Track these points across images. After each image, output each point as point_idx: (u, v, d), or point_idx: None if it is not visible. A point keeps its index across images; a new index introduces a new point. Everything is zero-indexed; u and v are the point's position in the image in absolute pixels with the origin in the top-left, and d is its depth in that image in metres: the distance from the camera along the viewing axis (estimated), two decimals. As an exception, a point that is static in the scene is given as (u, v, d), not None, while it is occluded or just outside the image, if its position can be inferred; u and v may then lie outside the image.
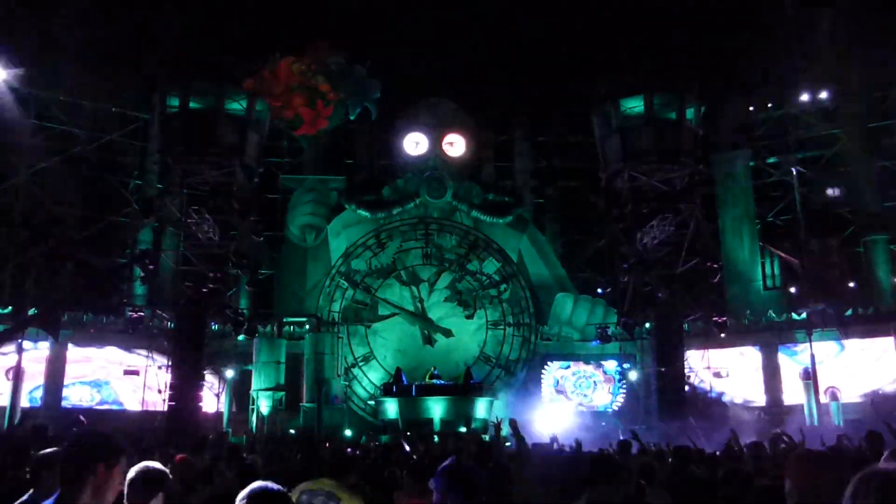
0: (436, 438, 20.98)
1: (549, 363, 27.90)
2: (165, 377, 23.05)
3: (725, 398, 26.22)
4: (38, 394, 23.49)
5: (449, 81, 30.02)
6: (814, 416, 23.34)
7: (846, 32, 25.52)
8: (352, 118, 30.23)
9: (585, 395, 27.59)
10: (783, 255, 27.44)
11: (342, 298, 28.61)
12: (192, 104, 24.27)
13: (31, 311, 22.24)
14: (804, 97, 27.92)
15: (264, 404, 25.11)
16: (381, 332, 28.56)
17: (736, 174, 29.53)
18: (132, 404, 24.90)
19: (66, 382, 23.86)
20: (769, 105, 29.29)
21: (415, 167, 29.82)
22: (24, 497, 3.46)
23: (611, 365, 27.65)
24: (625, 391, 27.24)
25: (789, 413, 23.76)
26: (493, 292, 29.00)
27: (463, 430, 23.40)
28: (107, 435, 3.10)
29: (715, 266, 25.16)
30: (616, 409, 27.20)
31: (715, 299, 26.25)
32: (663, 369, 23.75)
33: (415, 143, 30.18)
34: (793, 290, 26.60)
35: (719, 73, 26.71)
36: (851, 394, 24.10)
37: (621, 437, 12.11)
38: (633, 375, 26.56)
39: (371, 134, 31.95)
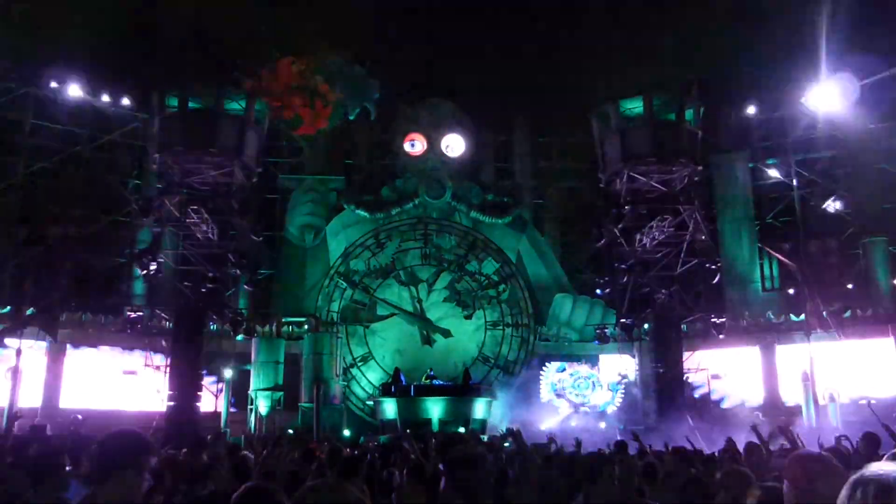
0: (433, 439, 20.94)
1: (547, 364, 27.90)
2: (164, 377, 23.04)
3: (724, 399, 26.22)
4: (37, 393, 23.45)
5: (449, 81, 30.03)
6: (812, 418, 23.35)
7: (845, 33, 25.50)
8: (351, 118, 30.22)
9: (584, 396, 27.59)
10: (781, 257, 27.44)
11: (341, 298, 28.63)
12: (191, 104, 24.30)
13: (30, 311, 22.23)
14: (804, 98, 27.89)
15: (263, 404, 25.11)
16: (380, 332, 28.58)
17: (735, 175, 29.53)
18: (130, 404, 24.87)
19: (64, 382, 23.82)
20: (769, 106, 29.29)
21: (414, 167, 29.83)
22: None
23: (610, 365, 27.64)
24: (623, 392, 27.24)
25: (788, 414, 23.76)
26: (492, 293, 29.02)
27: (461, 430, 23.39)
28: (139, 434, 3.10)
29: (714, 267, 25.18)
30: (615, 409, 27.19)
31: (714, 300, 26.27)
32: (662, 370, 23.78)
33: (414, 144, 30.19)
34: (791, 291, 26.62)
35: (719, 74, 26.72)
36: (850, 395, 24.10)
37: (619, 438, 12.12)
38: (631, 376, 26.58)
39: (370, 134, 31.96)
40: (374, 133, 31.88)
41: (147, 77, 26.94)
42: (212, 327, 25.08)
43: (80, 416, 20.32)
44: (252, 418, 25.15)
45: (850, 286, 26.20)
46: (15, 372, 20.31)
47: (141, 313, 24.99)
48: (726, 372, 26.15)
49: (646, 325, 25.41)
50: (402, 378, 26.02)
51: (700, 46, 25.47)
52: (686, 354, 24.90)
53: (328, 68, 29.04)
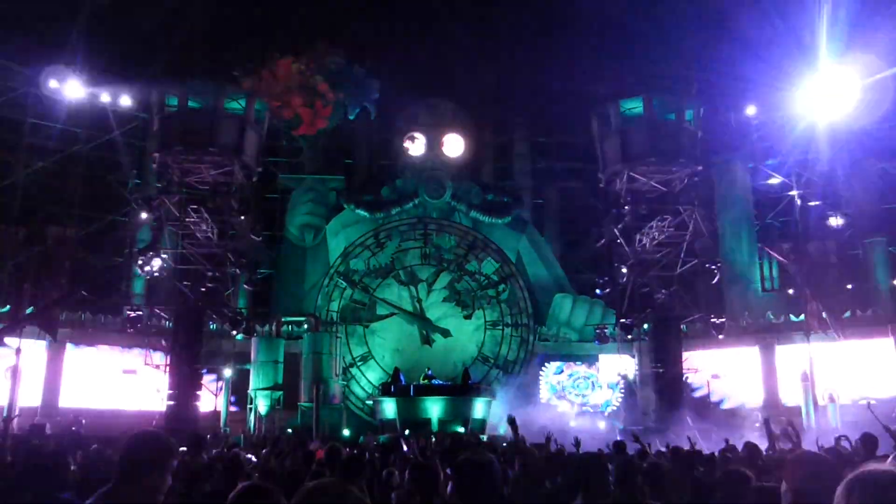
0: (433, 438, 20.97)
1: (546, 365, 27.91)
2: (163, 376, 23.03)
3: (724, 400, 26.22)
4: (37, 392, 23.45)
5: (449, 81, 30.02)
6: (811, 418, 23.35)
7: (845, 33, 25.50)
8: (351, 118, 30.22)
9: (584, 396, 27.60)
10: (781, 257, 27.43)
11: (340, 298, 28.62)
12: (191, 103, 24.25)
13: (29, 310, 22.22)
14: (804, 99, 27.88)
15: (262, 404, 25.11)
16: (380, 331, 28.58)
17: (735, 176, 29.52)
18: (130, 403, 24.86)
19: (63, 381, 23.82)
20: (769, 107, 29.27)
21: (414, 167, 29.84)
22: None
23: (609, 365, 27.65)
24: (623, 392, 27.24)
25: (787, 414, 23.75)
26: (492, 292, 29.02)
27: (461, 429, 23.39)
28: (163, 436, 3.10)
29: (713, 267, 25.16)
30: (614, 409, 27.20)
31: (713, 301, 26.26)
32: (661, 370, 23.77)
33: (414, 144, 30.19)
34: (791, 291, 26.60)
35: (719, 75, 26.70)
36: (849, 396, 24.09)
37: (618, 438, 12.10)
38: (630, 376, 26.57)
39: (370, 134, 31.96)
40: (374, 133, 31.87)
41: (147, 76, 26.94)
42: (211, 326, 25.08)
43: (83, 420, 20.35)
44: (251, 418, 25.15)
45: (849, 286, 26.20)
46: (14, 371, 20.29)
47: (140, 312, 24.99)
48: (726, 372, 26.15)
49: (645, 326, 25.39)
50: (402, 378, 26.02)
51: (700, 46, 25.51)
52: (686, 354, 24.89)
53: (328, 68, 29.05)
